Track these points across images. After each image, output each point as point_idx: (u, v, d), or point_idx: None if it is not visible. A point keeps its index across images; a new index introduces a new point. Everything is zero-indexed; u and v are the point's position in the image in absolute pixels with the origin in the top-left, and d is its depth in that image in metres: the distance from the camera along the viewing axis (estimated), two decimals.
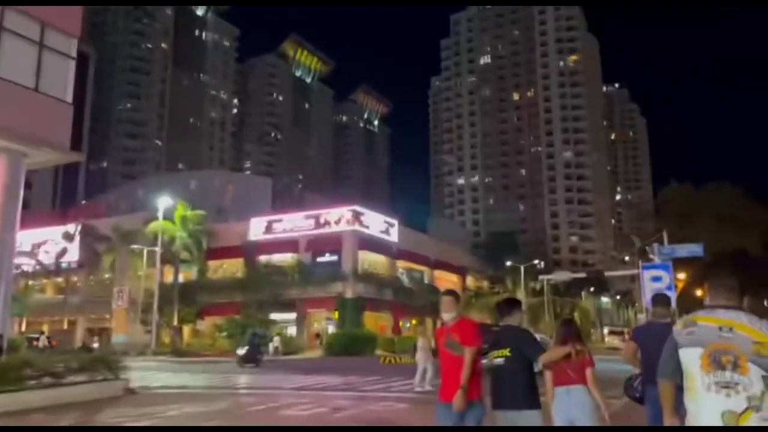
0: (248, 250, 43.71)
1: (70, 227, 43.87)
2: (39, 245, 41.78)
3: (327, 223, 42.78)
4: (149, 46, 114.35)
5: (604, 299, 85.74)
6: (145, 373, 18.28)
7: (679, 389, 2.98)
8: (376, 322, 42.94)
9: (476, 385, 4.44)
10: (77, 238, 43.43)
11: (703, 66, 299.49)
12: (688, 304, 25.03)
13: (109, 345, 36.12)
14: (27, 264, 39.99)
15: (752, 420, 2.69)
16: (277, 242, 43.60)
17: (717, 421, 2.74)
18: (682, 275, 35.91)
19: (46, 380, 11.74)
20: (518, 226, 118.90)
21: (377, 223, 44.98)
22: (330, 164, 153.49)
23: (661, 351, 3.12)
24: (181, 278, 41.55)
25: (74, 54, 15.72)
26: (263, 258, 43.49)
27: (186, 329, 42.96)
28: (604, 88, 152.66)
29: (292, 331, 41.53)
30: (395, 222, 46.86)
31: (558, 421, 4.87)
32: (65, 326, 43.70)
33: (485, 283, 61.96)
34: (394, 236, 45.84)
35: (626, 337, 39.80)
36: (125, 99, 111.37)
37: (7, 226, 14.32)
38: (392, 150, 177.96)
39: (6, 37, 14.00)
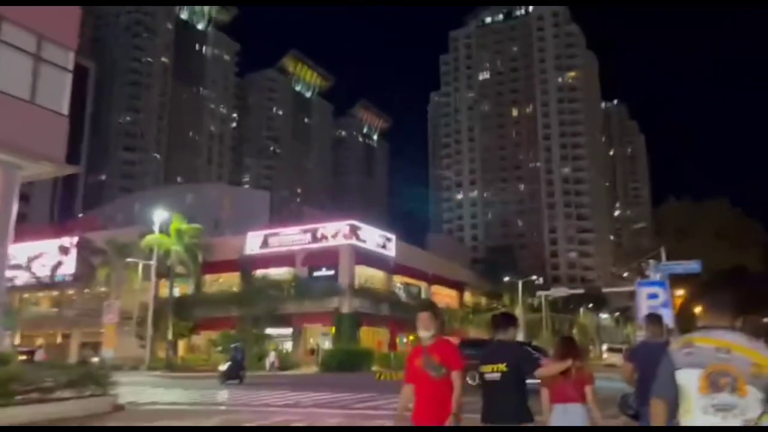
0: (245, 264, 43.50)
1: (66, 240, 43.66)
2: (34, 258, 41.52)
3: (324, 237, 42.62)
4: (149, 60, 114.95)
5: (603, 316, 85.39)
6: (137, 389, 18.04)
7: (671, 409, 2.89)
8: (372, 337, 42.62)
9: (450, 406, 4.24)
10: (73, 251, 43.23)
11: (702, 83, 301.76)
12: (687, 321, 24.83)
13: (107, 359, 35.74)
14: (22, 277, 39.71)
15: None
16: (273, 256, 43.41)
17: None
18: (680, 292, 35.74)
19: (33, 395, 11.55)
20: (517, 242, 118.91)
21: (374, 237, 44.84)
22: (329, 178, 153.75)
23: (656, 370, 3.04)
24: (177, 292, 41.32)
25: (71, 66, 15.67)
26: (260, 272, 43.23)
27: (181, 344, 42.61)
28: (603, 105, 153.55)
29: (288, 346, 41.21)
30: (393, 236, 46.72)
31: None
32: (59, 340, 43.32)
33: (483, 299, 61.69)
34: (391, 251, 45.68)
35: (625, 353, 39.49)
36: (125, 112, 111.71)
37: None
38: (391, 165, 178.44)
39: (1, 49, 13.95)
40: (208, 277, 44.33)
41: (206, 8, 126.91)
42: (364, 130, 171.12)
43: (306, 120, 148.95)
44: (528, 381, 4.53)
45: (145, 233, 39.53)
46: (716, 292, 3.03)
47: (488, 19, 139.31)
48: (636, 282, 25.73)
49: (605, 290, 60.37)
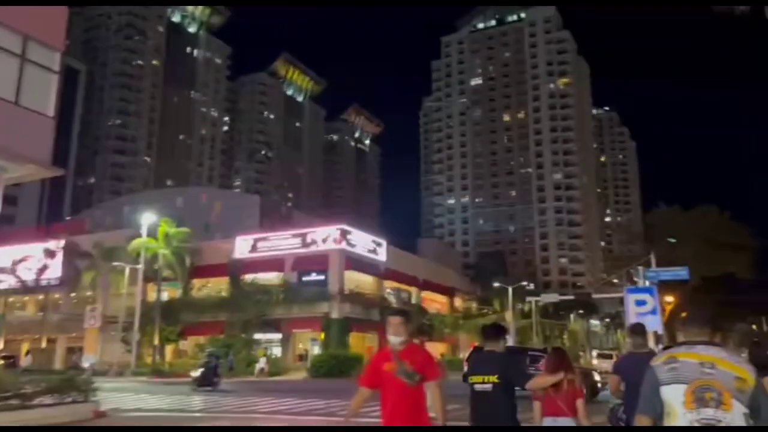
0: (234, 269, 43.20)
1: (52, 244, 43.20)
2: (19, 261, 41.07)
3: (314, 242, 42.42)
4: (140, 62, 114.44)
5: (593, 322, 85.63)
6: (121, 395, 17.78)
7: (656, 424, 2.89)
8: (362, 343, 42.42)
9: (426, 415, 4.11)
10: (59, 254, 42.76)
11: (694, 91, 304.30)
12: (677, 328, 24.84)
13: (100, 365, 35.27)
14: (7, 281, 39.26)
15: None
16: (262, 261, 43.14)
17: None
18: (670, 298, 35.82)
19: (13, 402, 11.32)
20: (508, 248, 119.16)
21: (365, 242, 44.70)
22: (320, 183, 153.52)
23: (642, 381, 3.02)
24: (164, 296, 40.93)
25: (57, 68, 15.48)
26: (249, 277, 42.97)
27: (168, 349, 42.21)
28: (595, 111, 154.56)
29: (276, 351, 40.93)
30: (383, 242, 46.60)
31: None
32: (44, 345, 42.80)
33: (474, 305, 61.70)
34: (382, 256, 45.55)
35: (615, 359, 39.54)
36: (115, 115, 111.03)
37: None
38: (383, 169, 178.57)
39: None
40: (196, 282, 43.95)
41: (198, 11, 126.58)
42: (356, 135, 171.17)
43: (297, 124, 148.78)
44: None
45: (133, 237, 39.16)
46: (695, 308, 3.12)
47: (480, 25, 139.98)
48: (625, 288, 25.74)
49: (595, 296, 60.48)
